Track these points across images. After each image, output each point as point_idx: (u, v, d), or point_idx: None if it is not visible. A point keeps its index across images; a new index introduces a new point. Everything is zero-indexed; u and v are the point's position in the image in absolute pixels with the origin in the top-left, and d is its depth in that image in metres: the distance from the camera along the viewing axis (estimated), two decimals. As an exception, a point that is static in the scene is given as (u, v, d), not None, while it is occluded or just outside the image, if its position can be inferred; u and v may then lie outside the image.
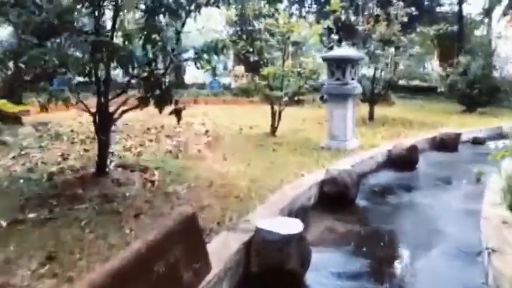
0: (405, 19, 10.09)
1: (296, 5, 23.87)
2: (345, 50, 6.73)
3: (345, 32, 21.35)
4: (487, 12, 24.94)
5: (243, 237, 3.08)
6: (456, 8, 24.56)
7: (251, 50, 7.43)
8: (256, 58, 7.52)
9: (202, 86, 19.11)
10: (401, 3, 9.97)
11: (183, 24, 4.64)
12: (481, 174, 5.04)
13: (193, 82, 20.15)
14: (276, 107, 7.81)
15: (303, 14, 23.36)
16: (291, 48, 13.14)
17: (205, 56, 4.09)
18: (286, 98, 7.59)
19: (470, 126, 9.67)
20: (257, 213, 3.63)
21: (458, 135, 7.88)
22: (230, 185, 4.57)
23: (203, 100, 14.04)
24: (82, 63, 3.92)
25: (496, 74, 12.47)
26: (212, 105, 13.52)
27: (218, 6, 4.51)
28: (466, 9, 25.17)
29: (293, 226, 2.94)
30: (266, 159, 5.77)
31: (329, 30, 15.20)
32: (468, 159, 7.06)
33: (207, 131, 8.12)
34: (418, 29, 10.43)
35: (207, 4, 4.49)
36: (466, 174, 5.93)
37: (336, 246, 3.66)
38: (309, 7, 24.15)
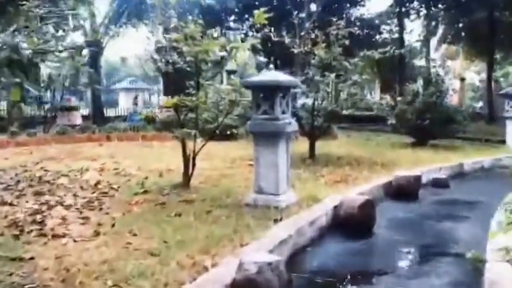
0: (347, 42, 8.70)
1: (231, 31, 22.55)
2: (273, 75, 5.04)
3: (283, 58, 20.16)
4: (426, 41, 24.78)
5: None
6: (394, 36, 24.18)
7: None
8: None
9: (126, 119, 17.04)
10: (342, 22, 8.57)
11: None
12: (479, 260, 3.39)
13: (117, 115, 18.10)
14: (191, 148, 5.97)
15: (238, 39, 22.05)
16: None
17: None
18: (200, 138, 5.78)
19: (426, 163, 8.26)
20: None
21: (418, 178, 6.36)
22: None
23: (118, 136, 11.96)
24: None
25: (447, 102, 11.36)
26: (128, 142, 11.49)
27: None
28: (405, 37, 24.85)
29: None
30: (160, 233, 3.88)
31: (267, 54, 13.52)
32: (435, 213, 5.50)
33: (97, 183, 6.11)
34: (362, 53, 9.03)
35: None
36: (439, 242, 4.35)
37: None
38: (245, 34, 22.90)
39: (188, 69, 5.88)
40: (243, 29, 23.17)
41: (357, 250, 4.19)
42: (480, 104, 32.99)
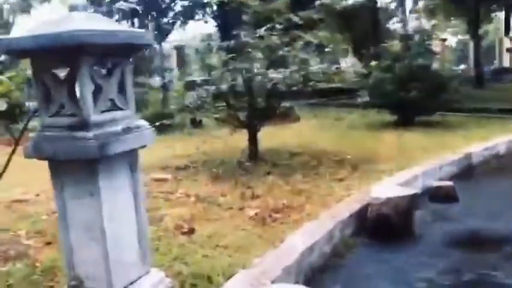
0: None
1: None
2: (71, 21, 2.19)
3: (235, 20, 17.14)
4: (401, 2, 22.01)
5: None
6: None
7: None
8: None
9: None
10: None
11: None
12: None
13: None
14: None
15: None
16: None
17: None
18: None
19: (417, 155, 5.66)
20: None
21: (411, 200, 3.71)
22: None
23: (8, 140, 9.01)
24: None
25: (435, 65, 8.68)
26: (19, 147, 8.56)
27: None
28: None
29: None
30: None
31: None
32: (455, 279, 2.88)
33: None
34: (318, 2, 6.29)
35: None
36: None
37: None
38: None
39: None
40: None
41: None
42: (462, 66, 30.57)
